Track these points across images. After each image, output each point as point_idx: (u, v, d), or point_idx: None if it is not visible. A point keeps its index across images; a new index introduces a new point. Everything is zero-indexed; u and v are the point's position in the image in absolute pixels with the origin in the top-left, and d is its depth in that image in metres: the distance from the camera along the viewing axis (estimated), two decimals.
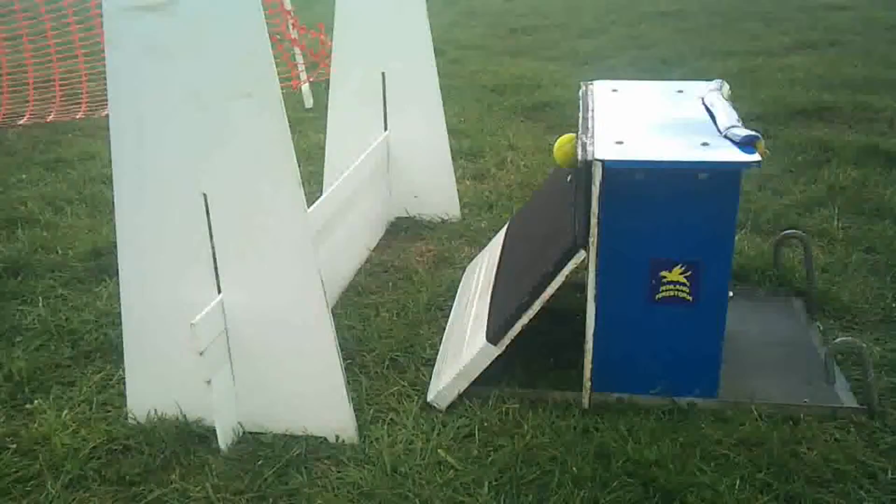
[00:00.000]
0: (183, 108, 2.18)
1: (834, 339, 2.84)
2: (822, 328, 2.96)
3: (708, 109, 2.68)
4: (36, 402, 2.69)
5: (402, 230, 3.95)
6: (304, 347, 2.37)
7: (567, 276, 2.44)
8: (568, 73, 7.07)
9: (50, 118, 6.14)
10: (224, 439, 2.39)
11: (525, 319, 2.47)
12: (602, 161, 2.26)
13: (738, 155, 2.28)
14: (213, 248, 2.33)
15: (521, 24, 9.63)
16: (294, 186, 2.21)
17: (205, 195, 2.27)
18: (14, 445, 2.48)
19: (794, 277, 3.30)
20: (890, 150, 4.63)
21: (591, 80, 3.13)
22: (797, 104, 5.63)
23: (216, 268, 2.35)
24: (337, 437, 2.43)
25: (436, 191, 3.98)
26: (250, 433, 2.48)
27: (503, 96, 6.32)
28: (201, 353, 2.26)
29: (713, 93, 2.81)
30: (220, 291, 2.36)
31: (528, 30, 9.29)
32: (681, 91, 2.94)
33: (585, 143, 2.39)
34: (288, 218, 2.24)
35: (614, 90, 2.97)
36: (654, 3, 10.50)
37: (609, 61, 7.49)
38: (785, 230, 3.47)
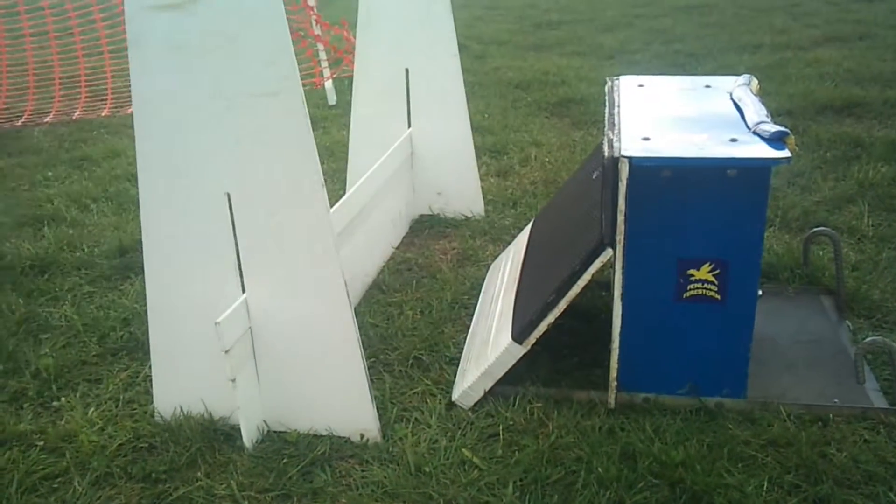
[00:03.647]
0: (205, 108, 2.18)
1: (864, 339, 2.80)
2: (851, 327, 2.91)
3: (736, 105, 2.65)
4: (63, 399, 2.71)
5: (426, 228, 3.94)
6: (326, 346, 2.37)
7: (593, 275, 2.42)
8: (593, 68, 7.02)
9: (76, 116, 6.19)
10: (249, 437, 2.39)
11: (551, 318, 2.44)
12: (629, 158, 2.23)
13: (767, 151, 2.24)
14: (237, 247, 2.33)
15: (546, 18, 9.59)
16: (316, 186, 2.20)
17: (228, 194, 2.27)
18: (42, 442, 2.49)
19: (824, 275, 3.25)
20: None
21: (617, 75, 3.10)
22: (826, 99, 5.55)
23: (240, 267, 2.35)
24: (361, 437, 2.43)
25: (460, 188, 3.97)
26: (275, 432, 2.48)
27: (527, 92, 6.29)
28: (226, 352, 2.26)
29: (741, 87, 2.77)
30: (244, 290, 2.36)
31: (553, 24, 9.25)
32: (708, 86, 2.90)
33: (612, 140, 2.37)
34: (310, 217, 2.24)
35: (641, 85, 2.94)
36: None
37: (634, 56, 7.44)
38: (814, 227, 3.42)
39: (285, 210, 2.25)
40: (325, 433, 2.44)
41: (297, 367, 2.42)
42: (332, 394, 2.42)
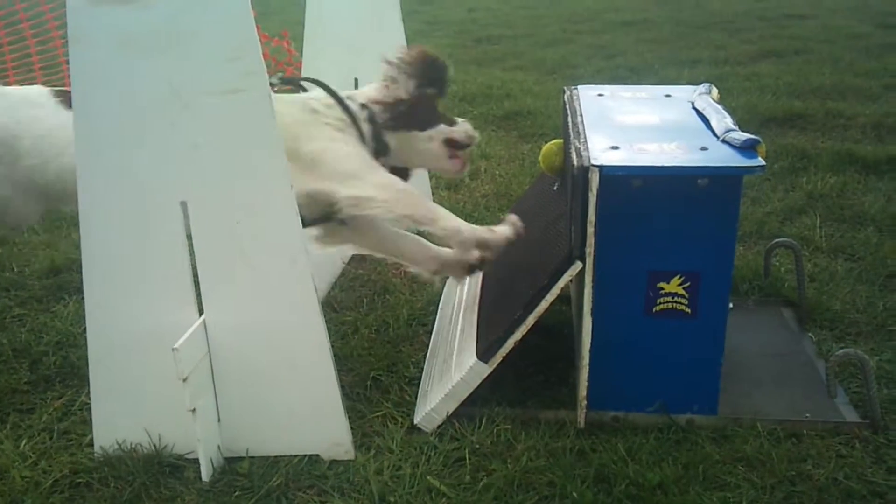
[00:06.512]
0: (158, 108, 2.03)
1: (829, 351, 2.76)
2: (815, 339, 2.87)
3: (700, 114, 2.59)
4: None
5: None
6: (296, 361, 2.24)
7: (561, 289, 2.32)
8: (536, 82, 7.00)
9: None
10: (207, 471, 2.23)
11: (518, 335, 2.34)
12: (599, 167, 2.14)
13: (739, 159, 2.18)
14: (193, 262, 2.17)
15: (486, 33, 9.58)
16: (285, 190, 2.06)
17: (183, 203, 2.11)
18: None
19: (783, 287, 3.21)
20: (866, 157, 4.60)
21: (561, 88, 3.02)
22: (768, 112, 5.60)
23: (197, 284, 2.19)
24: (332, 454, 2.30)
25: None
26: (227, 458, 2.32)
27: (473, 105, 6.22)
28: (184, 380, 2.10)
29: (702, 97, 2.72)
30: (201, 310, 2.20)
31: (494, 39, 9.24)
32: (668, 95, 2.85)
33: (580, 149, 2.28)
34: (280, 224, 2.10)
35: (600, 94, 2.87)
36: (617, 12, 10.53)
37: (576, 70, 7.45)
38: (769, 239, 3.39)
39: (250, 218, 2.10)
40: (285, 458, 2.30)
41: (261, 387, 2.28)
42: (302, 410, 2.28)
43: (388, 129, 2.63)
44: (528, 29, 9.80)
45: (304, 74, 3.62)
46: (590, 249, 2.23)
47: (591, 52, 8.25)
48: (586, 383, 2.36)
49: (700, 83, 2.88)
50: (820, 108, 5.61)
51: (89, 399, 2.37)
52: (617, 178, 2.17)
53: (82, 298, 2.25)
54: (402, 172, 2.72)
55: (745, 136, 2.25)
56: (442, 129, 2.68)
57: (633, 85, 3.04)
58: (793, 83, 6.38)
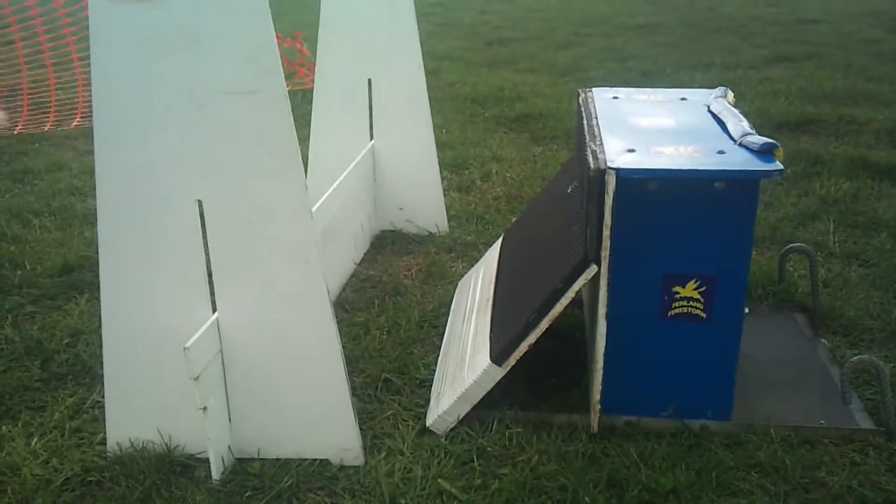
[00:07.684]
0: (176, 107, 2.02)
1: (843, 357, 2.74)
2: (828, 345, 2.85)
3: (716, 117, 2.58)
4: (3, 428, 2.50)
5: (389, 243, 3.80)
6: (306, 363, 2.22)
7: (576, 292, 2.31)
8: (548, 84, 6.98)
9: (18, 130, 5.91)
10: (217, 470, 2.22)
11: (532, 338, 2.32)
12: (616, 170, 2.13)
13: (758, 163, 2.17)
14: (208, 260, 2.17)
15: (498, 36, 9.55)
16: (299, 192, 2.06)
17: (199, 202, 2.10)
18: None
19: (797, 292, 3.19)
20: (879, 163, 4.57)
21: (574, 91, 3.01)
22: (781, 117, 5.57)
23: (211, 284, 2.18)
24: (341, 459, 2.29)
25: (423, 203, 3.84)
26: (238, 460, 2.32)
27: (484, 107, 6.20)
28: (196, 379, 2.09)
29: (718, 100, 2.71)
30: (214, 309, 2.20)
31: (505, 42, 9.21)
32: (684, 98, 2.83)
33: (595, 151, 2.27)
34: (292, 225, 2.09)
35: (615, 97, 2.86)
36: (629, 15, 10.49)
37: (588, 73, 7.42)
38: (782, 244, 3.37)
39: (263, 218, 2.10)
40: (296, 459, 2.29)
41: (272, 388, 2.27)
42: (312, 413, 2.27)
43: None
44: (539, 32, 9.78)
45: (317, 76, 3.64)
46: (605, 252, 2.21)
47: (602, 56, 8.23)
48: (600, 387, 2.35)
49: (713, 87, 2.87)
50: (833, 114, 5.59)
51: (101, 397, 2.37)
52: (633, 181, 2.16)
53: (94, 296, 2.26)
54: None
55: (763, 139, 2.24)
56: None
57: (645, 88, 3.03)
58: (805, 88, 6.35)
